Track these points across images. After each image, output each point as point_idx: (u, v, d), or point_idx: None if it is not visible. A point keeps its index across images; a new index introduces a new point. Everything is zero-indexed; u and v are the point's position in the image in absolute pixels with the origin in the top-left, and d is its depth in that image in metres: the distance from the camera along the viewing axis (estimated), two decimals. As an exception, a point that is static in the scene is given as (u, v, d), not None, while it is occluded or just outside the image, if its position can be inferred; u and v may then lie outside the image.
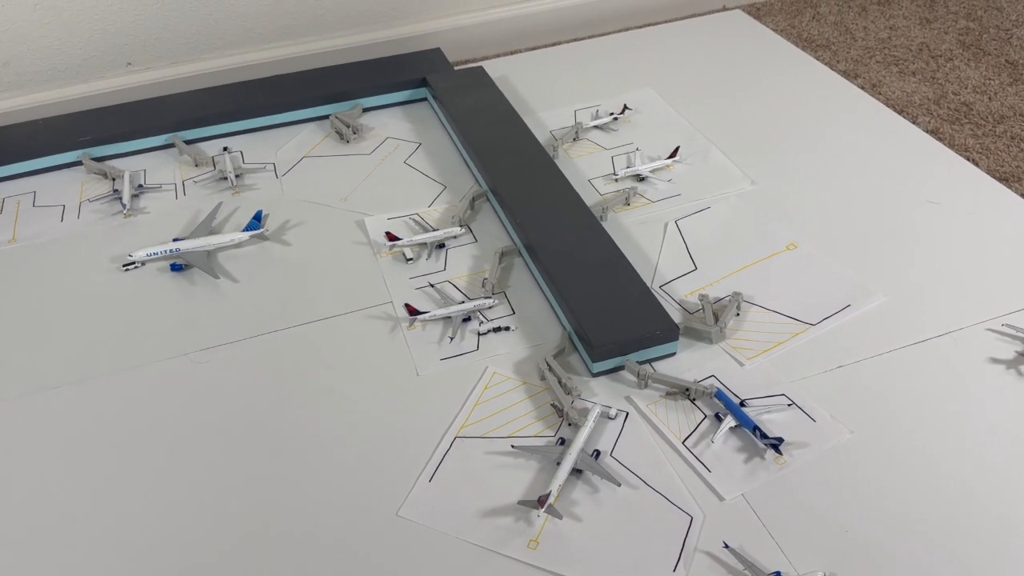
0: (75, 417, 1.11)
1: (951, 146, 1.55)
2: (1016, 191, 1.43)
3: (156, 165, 1.59)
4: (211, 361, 1.18)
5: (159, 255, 1.34)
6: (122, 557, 0.94)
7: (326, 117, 1.69)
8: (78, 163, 1.58)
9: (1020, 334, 1.15)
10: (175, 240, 1.36)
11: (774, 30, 1.98)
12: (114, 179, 1.54)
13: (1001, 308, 1.20)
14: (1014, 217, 1.37)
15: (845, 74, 1.81)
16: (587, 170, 1.52)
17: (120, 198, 1.48)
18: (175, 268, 1.33)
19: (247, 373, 1.15)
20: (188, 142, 1.62)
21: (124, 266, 1.34)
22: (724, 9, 2.14)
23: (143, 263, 1.34)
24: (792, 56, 1.86)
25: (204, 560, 0.93)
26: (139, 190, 1.51)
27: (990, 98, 1.73)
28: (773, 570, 0.89)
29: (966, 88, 1.76)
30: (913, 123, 1.62)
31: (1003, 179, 1.47)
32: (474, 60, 1.93)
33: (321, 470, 1.02)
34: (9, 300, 1.29)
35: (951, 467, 0.99)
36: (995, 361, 1.12)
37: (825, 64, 1.83)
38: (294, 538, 0.95)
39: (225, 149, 1.61)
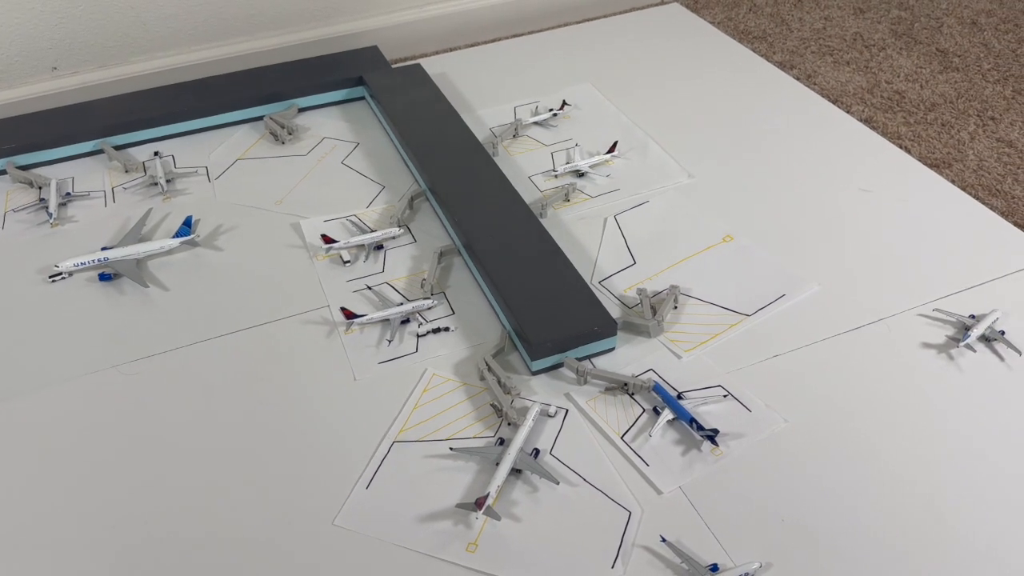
0: (2, 433, 1.07)
1: (884, 134, 1.58)
2: (946, 177, 1.46)
3: (85, 172, 1.54)
4: (142, 373, 1.15)
5: (87, 265, 1.30)
6: (53, 573, 0.91)
7: (260, 118, 1.66)
8: (2, 172, 1.53)
9: (951, 318, 1.17)
10: (103, 249, 1.32)
11: (711, 23, 1.99)
12: (40, 187, 1.49)
13: (932, 293, 1.22)
14: (944, 203, 1.39)
15: (781, 65, 1.83)
16: (527, 167, 1.52)
17: (47, 207, 1.43)
18: (103, 278, 1.29)
19: (179, 383, 1.13)
20: (118, 147, 1.58)
21: (51, 277, 1.30)
22: (662, 3, 2.15)
23: (70, 274, 1.30)
24: (729, 48, 1.87)
25: (138, 572, 0.91)
26: (66, 198, 1.47)
27: (921, 86, 1.76)
28: (711, 562, 0.89)
29: (898, 77, 1.80)
30: (847, 112, 1.64)
31: (934, 166, 1.50)
32: (412, 58, 1.91)
33: (257, 479, 1.00)
34: (-71, 316, 1.25)
35: (885, 453, 1.01)
36: (927, 346, 1.14)
37: (761, 56, 1.85)
38: (230, 548, 0.93)
39: (156, 154, 1.57)
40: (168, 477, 1.01)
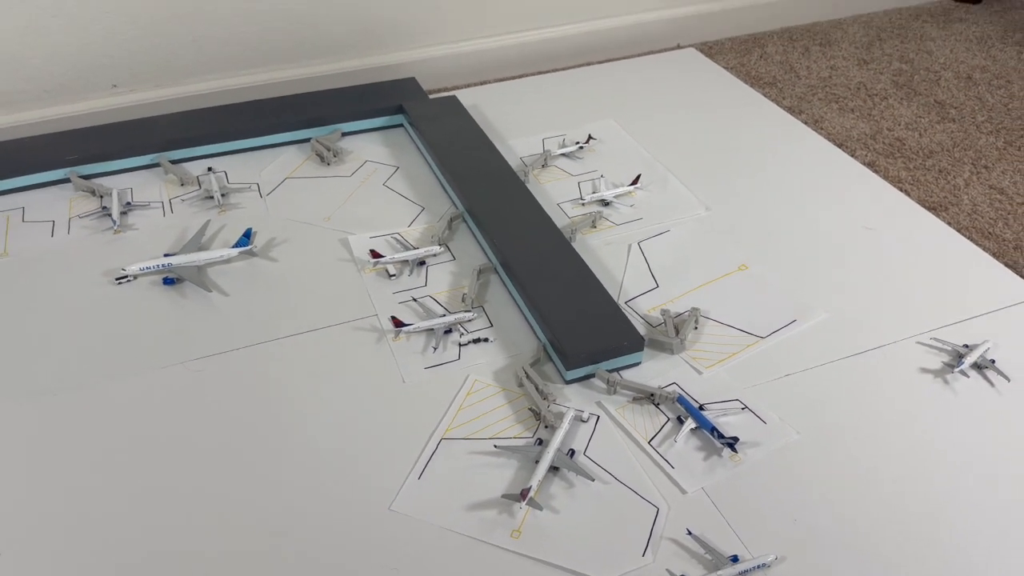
0: (73, 421, 1.16)
1: (886, 177, 1.71)
2: (943, 219, 1.58)
3: (142, 184, 1.65)
4: (205, 370, 1.25)
5: (152, 269, 1.40)
6: (121, 558, 1.00)
7: (306, 140, 1.78)
8: (66, 180, 1.63)
9: (946, 347, 1.29)
10: (166, 255, 1.43)
11: (725, 68, 2.13)
12: (102, 196, 1.59)
13: (929, 324, 1.33)
14: (941, 243, 1.51)
15: (790, 110, 1.96)
16: (555, 195, 1.63)
17: (109, 214, 1.54)
18: (167, 282, 1.39)
19: (241, 381, 1.23)
20: (173, 162, 1.69)
21: (117, 279, 1.40)
22: (679, 47, 2.29)
23: (135, 277, 1.41)
24: (742, 92, 2.01)
25: (207, 559, 1.00)
26: (127, 207, 1.57)
27: (920, 134, 1.89)
28: (731, 554, 1.00)
29: (899, 125, 1.93)
30: (851, 156, 1.77)
31: (932, 208, 1.62)
32: (446, 89, 2.03)
33: (317, 469, 1.10)
34: (3, 311, 1.34)
35: (885, 464, 1.11)
36: (924, 371, 1.25)
37: (772, 100, 1.98)
38: (292, 534, 1.02)
39: (209, 169, 1.68)
40: (230, 466, 1.10)
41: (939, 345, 1.29)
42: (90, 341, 1.29)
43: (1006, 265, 1.47)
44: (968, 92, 2.07)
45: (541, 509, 1.05)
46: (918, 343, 1.30)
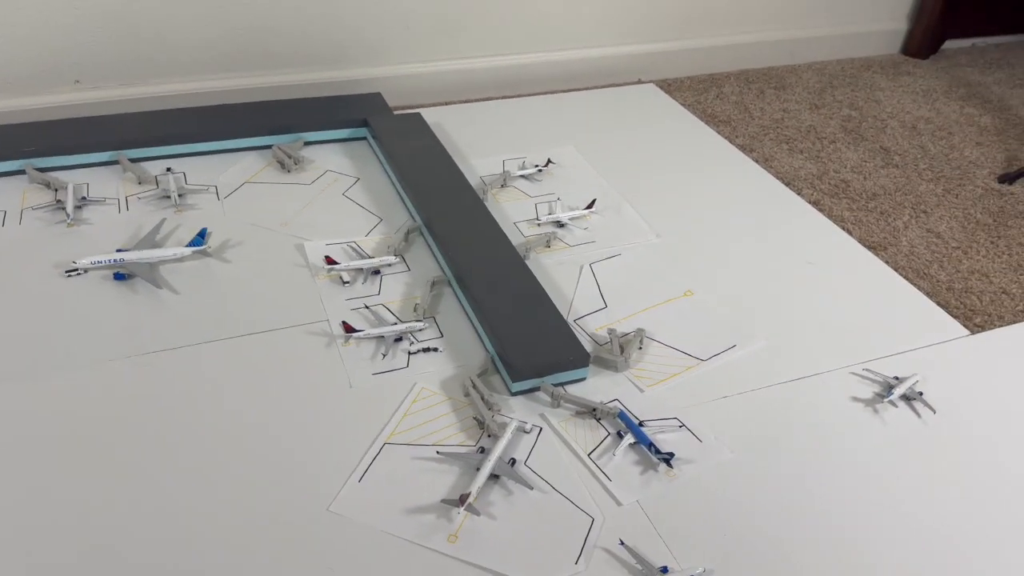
0: (16, 411, 1.15)
1: (830, 216, 1.77)
2: (881, 258, 1.65)
3: (99, 180, 1.64)
4: (151, 365, 1.24)
5: (103, 264, 1.40)
6: (43, 558, 1.00)
7: (268, 147, 1.79)
8: (21, 172, 1.62)
9: (878, 377, 1.34)
10: (119, 251, 1.43)
11: (682, 104, 2.20)
12: (57, 190, 1.59)
13: (863, 355, 1.39)
14: (879, 280, 1.58)
15: (742, 148, 2.03)
16: (512, 214, 1.67)
17: (64, 207, 1.53)
18: (118, 277, 1.39)
19: (186, 378, 1.23)
20: (133, 160, 1.69)
21: (67, 272, 1.39)
22: (639, 82, 2.36)
23: (86, 270, 1.40)
24: (697, 128, 2.07)
25: (134, 561, 0.99)
26: (82, 202, 1.57)
27: (865, 177, 1.97)
28: (661, 565, 1.02)
29: (845, 167, 2.01)
30: (798, 194, 1.84)
31: (871, 247, 1.69)
32: (411, 107, 2.07)
33: (256, 469, 1.10)
34: (-52, 297, 1.33)
35: (813, 486, 1.15)
36: (855, 399, 1.30)
37: (725, 138, 2.05)
38: (230, 531, 1.03)
39: (168, 169, 1.69)
40: (170, 464, 1.10)
41: (871, 376, 1.35)
42: (35, 332, 1.28)
43: (938, 304, 1.53)
44: (912, 140, 2.16)
45: (479, 515, 1.06)
46: (851, 373, 1.35)
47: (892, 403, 1.30)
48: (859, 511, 1.13)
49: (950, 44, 2.80)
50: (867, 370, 1.36)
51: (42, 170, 1.64)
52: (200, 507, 1.05)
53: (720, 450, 1.19)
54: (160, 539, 1.01)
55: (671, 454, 1.16)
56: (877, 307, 1.50)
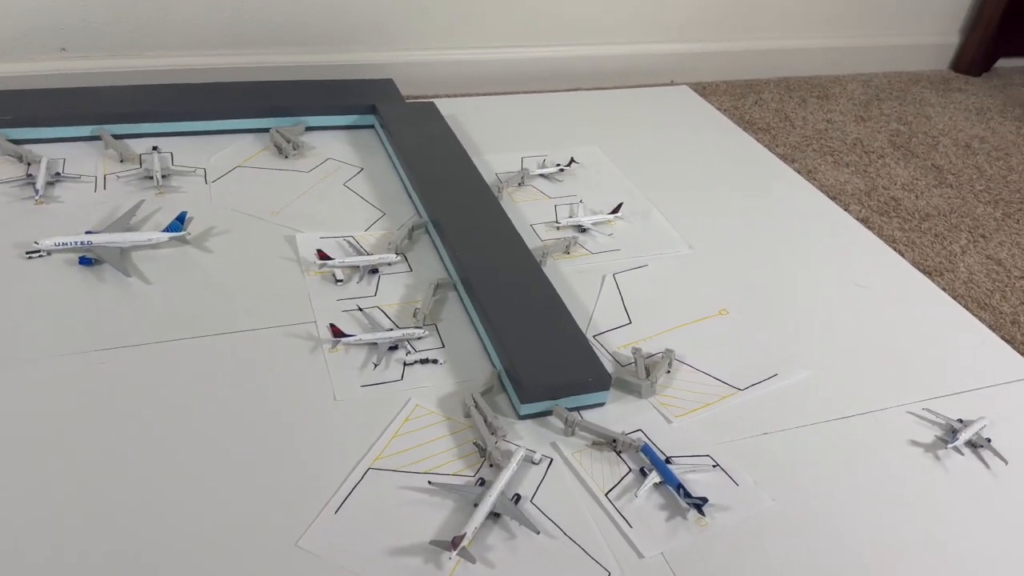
0: (-53, 407, 1.00)
1: (880, 236, 1.60)
2: (938, 284, 1.48)
3: (77, 156, 1.50)
4: (108, 363, 1.09)
5: (69, 246, 1.25)
6: (-22, 565, 0.84)
7: (266, 130, 1.64)
8: (-8, 142, 1.48)
9: (939, 419, 1.17)
10: (88, 233, 1.27)
11: (718, 108, 2.03)
12: (29, 164, 1.44)
13: (921, 393, 1.22)
14: (936, 309, 1.41)
15: (783, 157, 1.86)
16: (530, 215, 1.51)
17: (34, 183, 1.38)
18: (84, 262, 1.24)
19: (148, 380, 1.07)
20: (116, 137, 1.54)
21: (28, 253, 1.24)
22: (672, 84, 2.20)
23: (49, 253, 1.25)
24: (734, 134, 1.91)
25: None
26: (55, 178, 1.42)
27: (917, 196, 1.80)
28: (689, 634, 0.85)
29: (895, 184, 1.84)
30: (845, 210, 1.67)
31: (927, 272, 1.52)
32: (423, 97, 1.91)
33: (219, 492, 0.94)
34: None
35: (867, 543, 0.98)
36: (914, 444, 1.13)
37: (764, 146, 1.88)
38: (183, 562, 0.86)
39: (155, 148, 1.54)
40: (124, 475, 0.95)
41: (931, 417, 1.17)
42: (-18, 318, 1.13)
43: (1003, 339, 1.36)
44: (966, 160, 1.99)
45: (474, 562, 0.89)
46: (908, 412, 1.18)
47: (957, 450, 1.12)
48: (918, 574, 0.95)
49: (1003, 63, 2.63)
50: (927, 410, 1.19)
51: (16, 142, 1.49)
52: (147, 534, 0.88)
53: (760, 497, 1.02)
54: (98, 565, 0.84)
55: (704, 499, 0.99)
56: (935, 338, 1.33)
